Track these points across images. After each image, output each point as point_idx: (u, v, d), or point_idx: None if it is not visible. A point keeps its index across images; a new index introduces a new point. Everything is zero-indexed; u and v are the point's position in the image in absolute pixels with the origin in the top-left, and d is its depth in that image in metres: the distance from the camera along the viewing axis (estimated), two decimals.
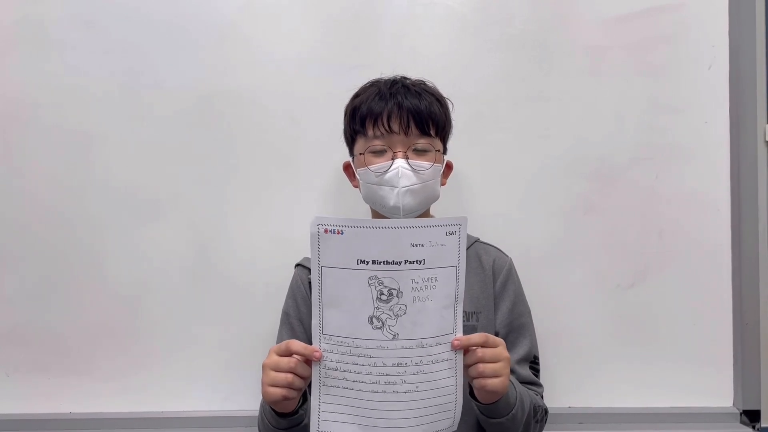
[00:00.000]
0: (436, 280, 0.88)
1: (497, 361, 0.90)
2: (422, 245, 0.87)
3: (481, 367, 0.89)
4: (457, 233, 0.88)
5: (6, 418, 1.39)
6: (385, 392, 0.89)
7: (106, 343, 1.39)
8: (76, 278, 1.39)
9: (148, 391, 1.40)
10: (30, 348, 1.39)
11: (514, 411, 0.97)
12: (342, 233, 0.87)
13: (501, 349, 0.91)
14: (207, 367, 1.39)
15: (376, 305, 0.88)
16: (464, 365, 0.90)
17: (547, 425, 1.15)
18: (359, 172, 1.13)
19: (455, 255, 0.88)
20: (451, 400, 0.91)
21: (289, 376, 0.89)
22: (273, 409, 0.96)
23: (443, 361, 0.89)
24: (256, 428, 1.09)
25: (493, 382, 0.90)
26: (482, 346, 0.90)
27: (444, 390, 0.90)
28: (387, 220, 0.91)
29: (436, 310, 0.89)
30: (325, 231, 0.87)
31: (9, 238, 1.39)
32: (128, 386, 1.40)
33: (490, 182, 1.41)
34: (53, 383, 1.40)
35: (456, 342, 0.89)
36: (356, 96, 1.17)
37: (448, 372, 0.90)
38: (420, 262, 0.87)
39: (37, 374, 1.40)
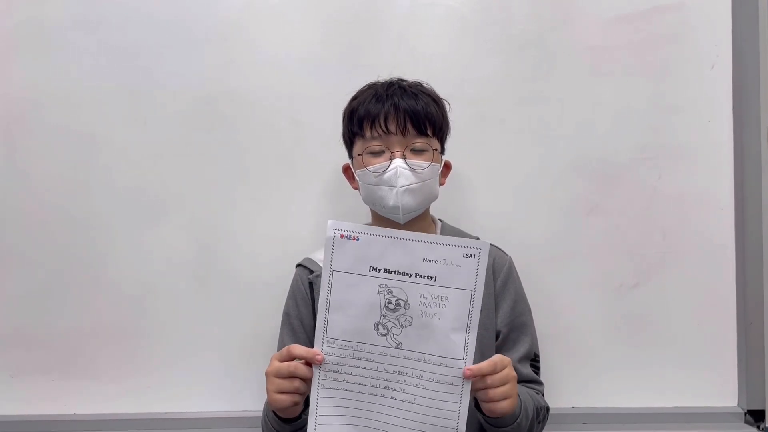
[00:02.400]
0: (446, 299, 0.88)
1: (505, 384, 0.91)
2: (435, 261, 0.87)
3: (491, 392, 0.90)
4: (476, 257, 0.86)
5: (10, 419, 1.39)
6: (383, 396, 0.90)
7: (111, 345, 1.40)
8: (80, 279, 1.40)
9: (153, 392, 1.40)
10: (34, 349, 1.40)
11: (519, 420, 0.98)
12: (358, 239, 0.88)
13: (508, 371, 0.92)
14: (211, 367, 1.40)
15: (383, 313, 0.89)
16: (473, 389, 0.90)
17: (550, 426, 1.15)
18: (358, 174, 1.13)
19: (472, 279, 0.87)
20: (452, 426, 0.89)
21: (296, 381, 0.90)
22: (277, 416, 0.97)
23: (447, 384, 0.88)
24: (260, 429, 1.09)
25: (501, 405, 0.90)
26: (492, 373, 0.89)
27: (444, 413, 0.89)
28: (405, 232, 0.90)
29: (444, 331, 0.88)
30: (341, 236, 0.88)
31: (13, 239, 1.40)
32: (132, 387, 1.40)
33: (492, 182, 1.41)
34: (57, 385, 1.40)
35: (468, 372, 0.88)
36: (354, 99, 1.17)
37: (452, 396, 0.88)
38: (431, 278, 0.87)
39: (40, 376, 1.40)
